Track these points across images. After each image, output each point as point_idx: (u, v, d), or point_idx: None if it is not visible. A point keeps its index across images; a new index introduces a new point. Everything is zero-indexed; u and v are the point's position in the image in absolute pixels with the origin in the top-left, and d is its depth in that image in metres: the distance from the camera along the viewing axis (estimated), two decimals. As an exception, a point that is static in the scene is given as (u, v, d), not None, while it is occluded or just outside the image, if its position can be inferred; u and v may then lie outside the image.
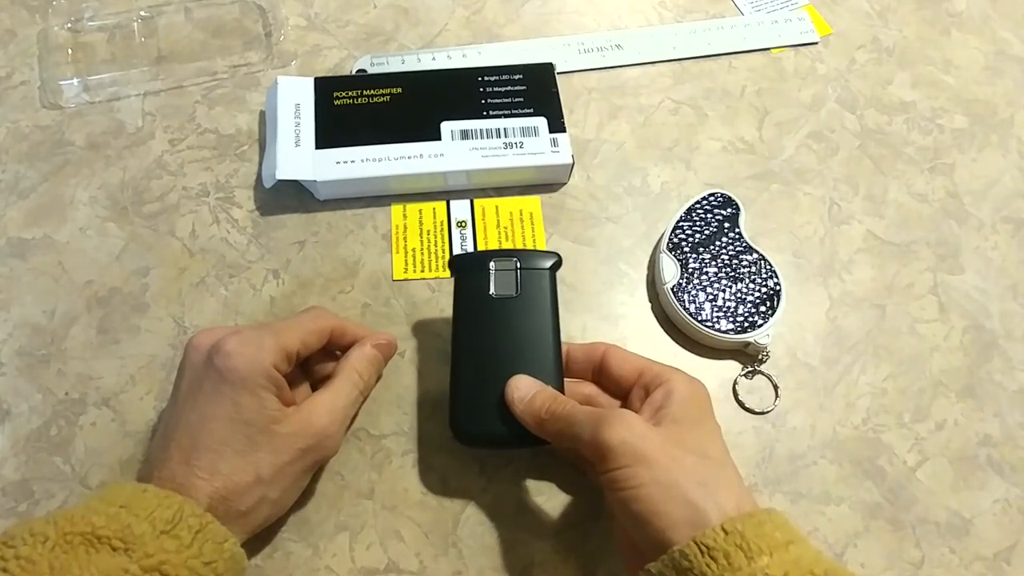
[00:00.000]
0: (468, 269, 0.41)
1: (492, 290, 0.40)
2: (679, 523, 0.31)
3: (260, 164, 0.51)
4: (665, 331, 0.47)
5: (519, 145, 0.50)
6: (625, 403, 0.39)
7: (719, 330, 0.44)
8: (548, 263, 0.41)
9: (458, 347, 0.40)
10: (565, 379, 0.39)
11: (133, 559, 0.30)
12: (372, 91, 0.51)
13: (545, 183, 0.51)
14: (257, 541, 0.38)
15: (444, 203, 0.51)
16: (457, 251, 0.49)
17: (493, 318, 0.40)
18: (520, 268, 0.41)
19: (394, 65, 0.55)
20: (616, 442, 0.32)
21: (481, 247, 0.49)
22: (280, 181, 0.48)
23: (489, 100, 0.51)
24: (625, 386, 0.39)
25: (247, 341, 0.36)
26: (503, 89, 0.52)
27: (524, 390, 0.37)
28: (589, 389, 0.40)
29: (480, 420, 0.38)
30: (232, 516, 0.34)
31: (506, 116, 0.51)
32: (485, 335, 0.40)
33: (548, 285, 0.41)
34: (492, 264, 0.41)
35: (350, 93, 0.51)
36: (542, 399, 0.37)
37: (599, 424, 0.33)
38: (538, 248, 0.49)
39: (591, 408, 0.36)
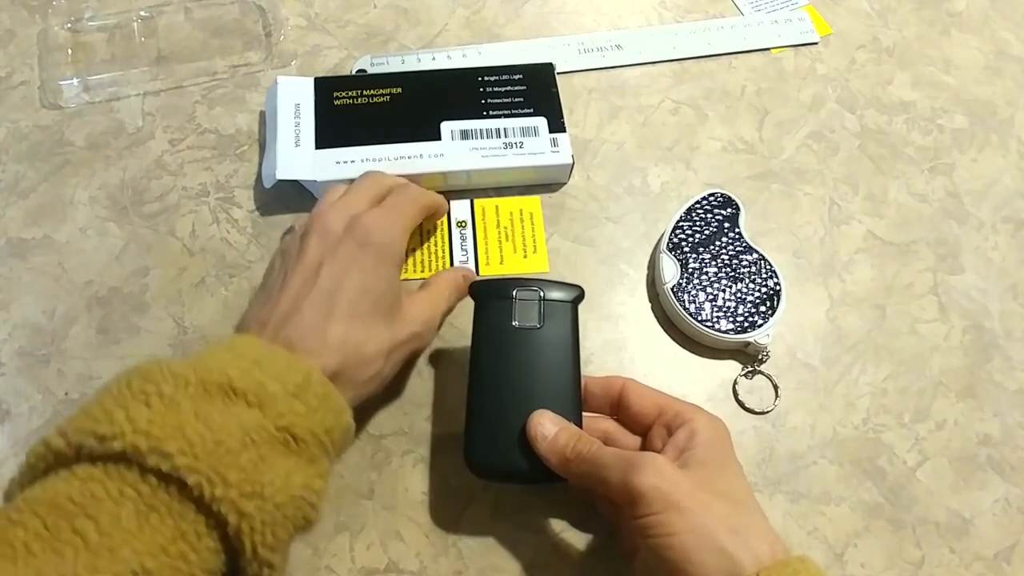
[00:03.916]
0: (491, 297, 0.41)
1: (515, 321, 0.40)
2: (713, 572, 0.30)
3: (260, 164, 0.51)
4: (665, 331, 0.47)
5: (519, 145, 0.50)
6: (645, 439, 0.39)
7: (719, 330, 0.45)
8: (571, 296, 0.41)
9: (476, 376, 0.39)
10: (583, 414, 0.39)
11: (268, 417, 0.30)
12: (372, 91, 0.51)
13: (545, 183, 0.51)
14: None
15: (444, 203, 0.51)
16: (457, 251, 0.49)
17: (514, 349, 0.39)
18: (543, 299, 0.40)
19: (394, 65, 0.55)
20: (647, 488, 0.32)
21: (481, 247, 0.49)
22: (280, 181, 0.48)
23: (489, 100, 0.51)
24: (644, 422, 0.38)
25: (383, 218, 0.39)
26: (503, 89, 0.52)
27: (548, 427, 0.37)
28: (607, 424, 0.40)
29: (497, 453, 0.37)
30: (350, 386, 0.35)
31: (506, 116, 0.51)
32: (505, 366, 0.39)
33: (570, 318, 0.40)
34: (515, 293, 0.40)
35: (350, 93, 0.51)
36: (566, 437, 0.36)
37: (628, 468, 0.33)
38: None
39: (618, 450, 0.35)
